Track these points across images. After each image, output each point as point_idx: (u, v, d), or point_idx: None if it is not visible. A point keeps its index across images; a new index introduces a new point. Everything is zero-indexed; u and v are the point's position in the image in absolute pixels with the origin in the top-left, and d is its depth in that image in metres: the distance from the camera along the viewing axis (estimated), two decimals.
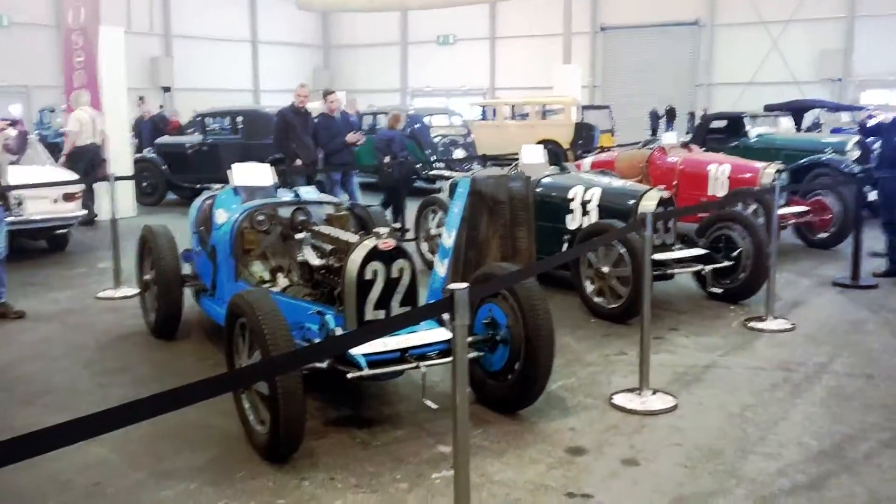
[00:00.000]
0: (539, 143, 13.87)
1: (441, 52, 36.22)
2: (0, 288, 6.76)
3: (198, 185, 14.39)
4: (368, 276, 4.26)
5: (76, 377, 5.37)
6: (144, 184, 13.99)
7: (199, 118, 14.57)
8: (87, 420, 2.19)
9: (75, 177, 9.86)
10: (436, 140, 14.96)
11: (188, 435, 4.27)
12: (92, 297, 7.54)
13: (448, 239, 5.03)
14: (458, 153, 14.95)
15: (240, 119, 14.08)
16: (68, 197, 9.21)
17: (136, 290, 7.23)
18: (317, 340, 4.26)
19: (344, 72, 38.13)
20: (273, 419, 3.79)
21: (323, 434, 4.28)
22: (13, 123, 6.55)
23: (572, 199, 7.21)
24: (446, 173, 13.86)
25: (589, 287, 6.53)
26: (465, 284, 2.85)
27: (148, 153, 14.60)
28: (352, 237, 4.66)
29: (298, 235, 5.13)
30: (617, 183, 7.60)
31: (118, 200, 10.17)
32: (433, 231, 8.31)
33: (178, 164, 14.02)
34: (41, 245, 9.86)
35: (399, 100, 35.93)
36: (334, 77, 37.33)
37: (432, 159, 14.19)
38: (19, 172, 8.94)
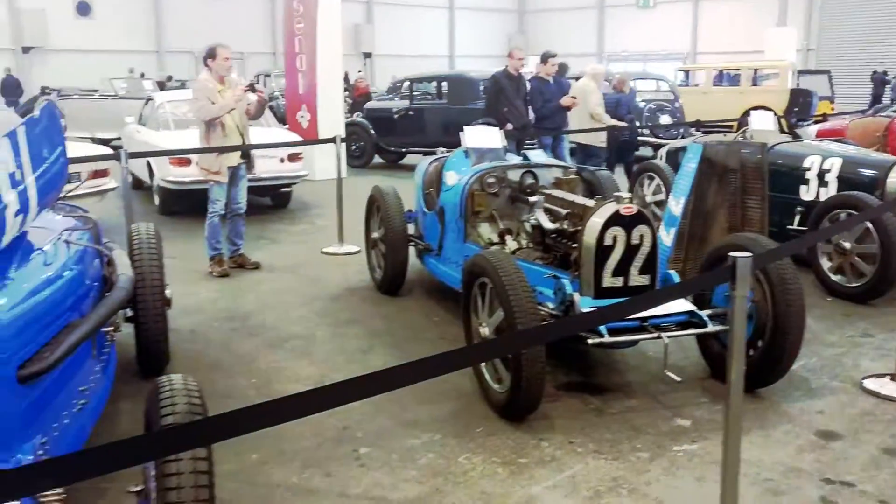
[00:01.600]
0: (749, 110, 13.12)
1: (640, 15, 35.12)
2: (238, 240, 7.27)
3: (403, 150, 14.88)
4: (608, 241, 4.18)
5: (313, 326, 5.70)
6: (353, 147, 14.58)
7: (398, 84, 14.99)
8: (356, 382, 2.25)
9: (297, 138, 10.42)
10: (641, 105, 14.51)
11: (426, 388, 4.39)
12: (318, 251, 7.96)
13: (676, 207, 4.86)
14: (665, 119, 14.43)
15: (445, 84, 14.31)
16: (293, 157, 9.76)
17: (358, 248, 7.59)
18: (550, 305, 4.26)
19: (539, 36, 37.85)
20: (514, 380, 3.83)
21: (556, 398, 4.28)
22: (252, 89, 6.97)
23: (808, 169, 6.75)
24: (653, 140, 13.46)
25: (826, 263, 6.11)
26: (747, 253, 2.73)
27: (358, 117, 15.19)
28: (589, 201, 4.60)
29: (531, 198, 5.13)
30: (858, 152, 7.04)
31: (329, 162, 10.72)
32: (649, 198, 8.08)
33: (385, 128, 14.49)
34: (265, 202, 10.52)
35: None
36: (529, 42, 37.14)
37: (637, 125, 13.79)
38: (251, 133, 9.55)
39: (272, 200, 10.48)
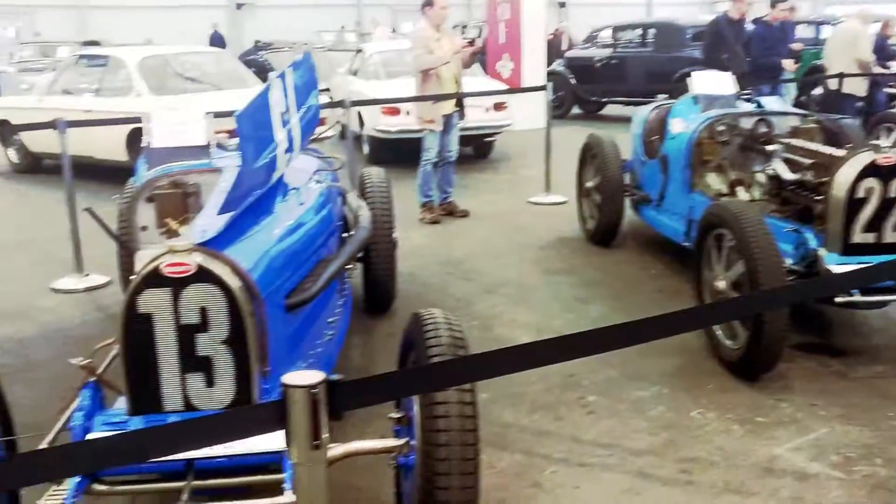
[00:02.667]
0: None
1: None
2: (448, 188, 7.40)
3: (603, 99, 14.52)
4: (861, 193, 3.86)
5: (525, 273, 5.72)
6: (552, 97, 14.38)
7: (596, 32, 14.53)
8: (610, 330, 2.19)
9: (504, 86, 10.42)
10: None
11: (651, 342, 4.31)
12: (523, 201, 7.96)
13: None
14: None
15: (651, 31, 13.78)
16: (498, 106, 9.77)
17: (564, 198, 7.51)
18: (790, 261, 4.00)
19: None
20: (753, 338, 3.65)
21: (790, 358, 4.05)
22: (471, 42, 7.07)
23: None
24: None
25: None
26: None
27: (557, 66, 14.96)
28: (838, 151, 4.26)
29: (769, 147, 4.83)
30: None
31: (530, 112, 10.64)
32: None
33: (585, 77, 14.19)
34: (467, 152, 10.63)
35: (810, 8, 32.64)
36: None
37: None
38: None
39: (474, 150, 10.57)
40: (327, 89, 13.59)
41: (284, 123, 3.07)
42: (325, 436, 1.64)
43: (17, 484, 2.08)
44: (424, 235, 6.78)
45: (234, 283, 2.44)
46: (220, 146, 4.08)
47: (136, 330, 2.42)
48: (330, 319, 3.50)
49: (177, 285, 2.41)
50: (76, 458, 1.65)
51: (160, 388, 2.47)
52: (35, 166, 10.19)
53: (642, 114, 6.25)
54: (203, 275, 2.41)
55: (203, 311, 2.44)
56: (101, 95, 9.14)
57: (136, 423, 2.45)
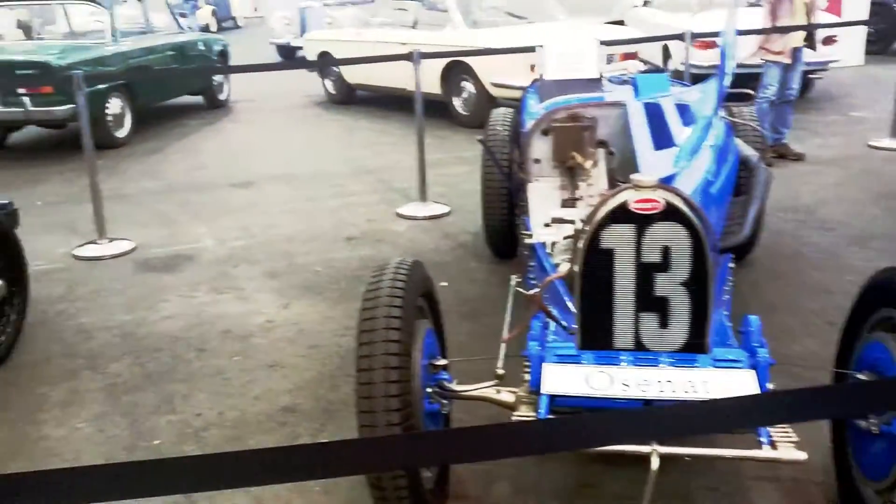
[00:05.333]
0: None
1: None
2: (784, 129, 6.87)
3: None
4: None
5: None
6: (871, 30, 12.95)
7: None
8: None
9: (836, 18, 9.49)
10: None
11: None
12: (862, 144, 7.23)
13: None
14: None
15: None
16: (827, 41, 8.91)
17: None
18: None
19: None
20: None
21: None
22: None
23: None
24: None
25: None
26: None
27: None
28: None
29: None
30: None
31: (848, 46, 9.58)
32: None
33: None
34: None
35: None
36: None
37: None
38: None
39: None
40: (621, 21, 13.20)
41: None
42: None
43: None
44: None
45: (697, 222, 2.34)
46: (610, 80, 3.98)
47: (596, 264, 2.39)
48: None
49: (642, 222, 2.33)
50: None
51: (613, 326, 2.43)
52: (349, 97, 10.82)
53: None
54: (669, 213, 2.32)
55: (665, 250, 2.36)
56: (417, 28, 9.46)
57: (588, 357, 2.44)
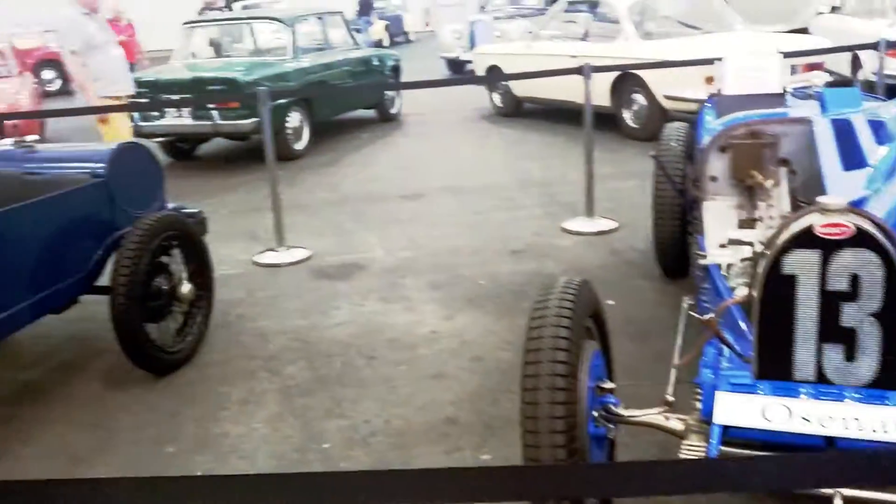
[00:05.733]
0: None
1: None
2: None
3: None
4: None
5: None
6: None
7: None
8: None
9: None
10: None
11: None
12: None
13: None
14: None
15: None
16: None
17: None
18: None
19: None
20: None
21: None
22: None
23: None
24: None
25: None
26: None
27: None
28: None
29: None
30: None
31: None
32: None
33: None
34: None
35: None
36: None
37: None
38: None
39: None
40: (804, 30, 12.51)
41: None
42: None
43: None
44: None
45: (891, 249, 2.16)
46: (794, 94, 3.78)
47: (777, 291, 2.26)
48: None
49: (829, 248, 2.18)
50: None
51: (793, 356, 2.29)
52: (517, 110, 10.87)
53: None
54: (860, 238, 2.16)
55: (854, 279, 2.19)
56: (588, 40, 9.38)
57: (765, 388, 2.32)
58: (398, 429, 3.32)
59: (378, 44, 21.99)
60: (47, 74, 18.07)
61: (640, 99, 8.50)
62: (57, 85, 18.30)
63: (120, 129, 6.78)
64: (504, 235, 5.78)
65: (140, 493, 1.36)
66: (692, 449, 2.28)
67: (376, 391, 3.64)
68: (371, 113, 11.18)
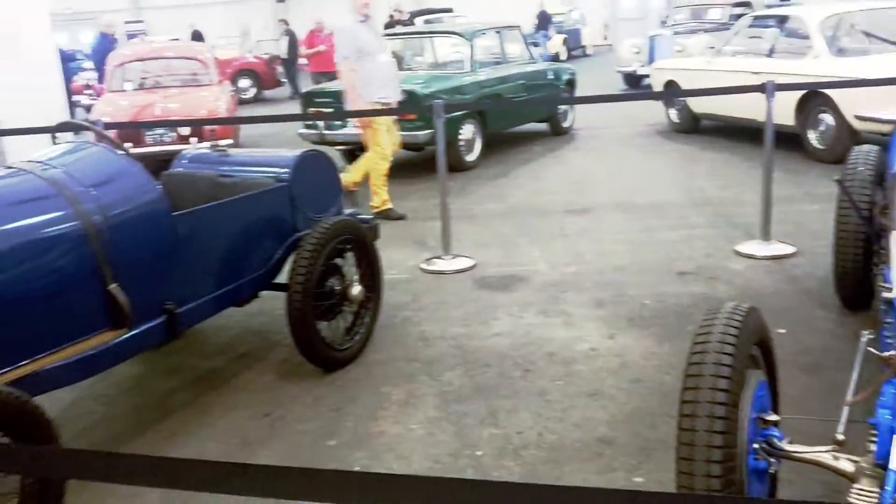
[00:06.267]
0: None
1: None
2: None
3: None
4: None
5: None
6: None
7: None
8: None
9: None
10: None
11: None
12: None
13: None
14: None
15: None
16: None
17: None
18: None
19: None
20: None
21: None
22: None
23: None
24: None
25: None
26: None
27: None
28: None
29: None
30: None
31: None
32: None
33: None
34: None
35: None
36: None
37: None
38: None
39: None
40: None
41: None
42: None
43: None
44: None
45: None
46: None
47: None
48: None
49: None
50: None
51: None
52: (693, 126, 10.54)
53: None
54: None
55: None
56: (773, 57, 8.96)
57: None
58: (551, 443, 3.32)
59: (555, 57, 21.99)
60: (244, 83, 19.39)
61: (827, 119, 8.01)
62: (252, 93, 19.63)
63: (383, 135, 7.06)
64: (673, 255, 5.63)
65: (301, 482, 1.45)
66: (864, 494, 2.14)
67: (531, 404, 3.65)
68: (543, 126, 11.19)
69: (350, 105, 7.02)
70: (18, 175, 3.27)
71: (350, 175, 7.31)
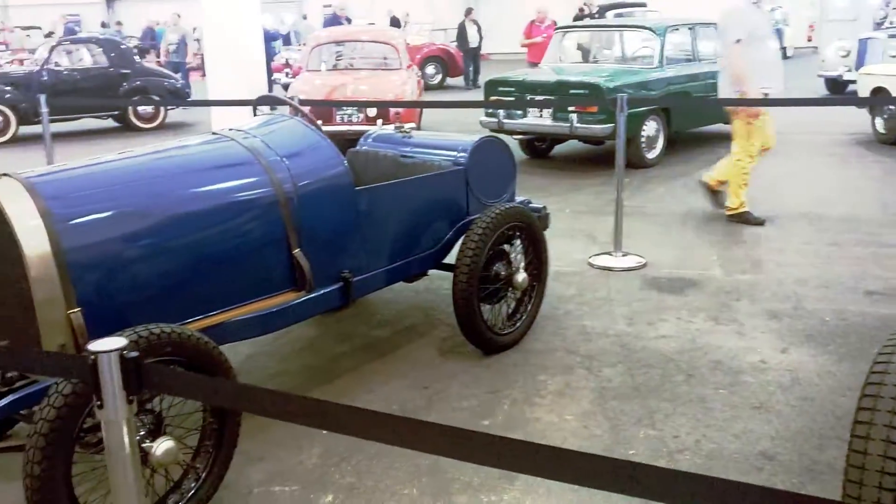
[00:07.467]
0: None
1: None
2: None
3: None
4: None
5: None
6: None
7: None
8: None
9: None
10: None
11: None
12: None
13: None
14: None
15: None
16: None
17: None
18: None
19: None
20: None
21: None
22: None
23: None
24: None
25: None
26: None
27: None
28: None
29: None
30: None
31: None
32: None
33: None
34: None
35: None
36: None
37: None
38: None
39: None
40: None
41: None
42: None
43: None
44: None
45: None
46: None
47: None
48: None
49: None
50: None
51: None
52: None
53: None
54: None
55: None
56: None
57: None
58: (708, 451, 3.22)
59: None
60: (430, 69, 19.88)
61: None
62: (437, 79, 20.10)
63: (760, 132, 6.46)
64: (861, 273, 5.27)
65: (456, 442, 1.51)
66: None
67: (691, 409, 3.55)
68: (727, 128, 10.72)
69: (742, 93, 6.20)
70: (222, 141, 3.55)
71: (715, 174, 6.84)
